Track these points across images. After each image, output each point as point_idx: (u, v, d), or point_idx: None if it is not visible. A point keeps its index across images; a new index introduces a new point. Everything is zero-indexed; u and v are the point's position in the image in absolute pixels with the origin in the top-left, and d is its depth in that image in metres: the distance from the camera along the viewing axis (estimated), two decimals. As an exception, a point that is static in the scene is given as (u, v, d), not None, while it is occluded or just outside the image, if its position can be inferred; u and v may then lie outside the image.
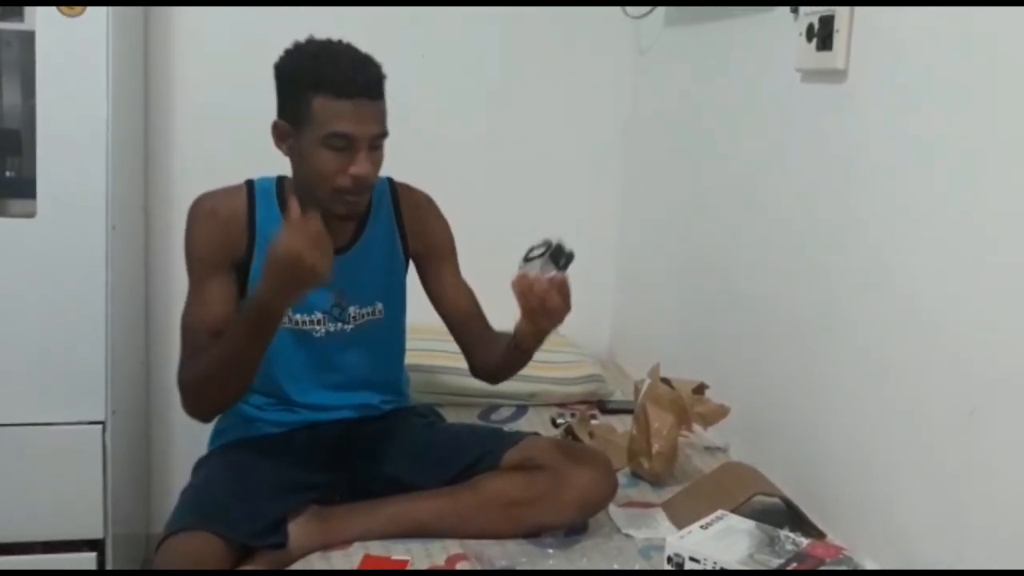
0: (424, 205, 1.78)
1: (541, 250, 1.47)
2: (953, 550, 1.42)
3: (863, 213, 1.66)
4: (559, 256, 1.45)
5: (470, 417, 2.22)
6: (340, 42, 1.55)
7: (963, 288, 1.42)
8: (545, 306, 1.45)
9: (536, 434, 1.71)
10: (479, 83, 2.62)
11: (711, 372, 2.03)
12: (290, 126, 1.54)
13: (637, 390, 2.00)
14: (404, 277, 1.77)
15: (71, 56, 1.97)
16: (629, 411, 2.06)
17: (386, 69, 1.57)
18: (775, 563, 1.42)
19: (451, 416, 1.99)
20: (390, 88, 1.58)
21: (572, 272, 2.71)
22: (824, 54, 1.70)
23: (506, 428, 2.08)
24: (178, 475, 2.49)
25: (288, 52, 1.56)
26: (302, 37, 1.58)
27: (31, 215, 1.99)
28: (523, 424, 2.20)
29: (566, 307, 1.49)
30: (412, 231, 1.75)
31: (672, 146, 2.52)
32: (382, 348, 1.77)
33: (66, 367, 2.03)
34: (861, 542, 1.57)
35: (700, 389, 1.95)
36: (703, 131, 2.32)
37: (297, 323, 1.64)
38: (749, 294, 2.06)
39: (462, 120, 2.60)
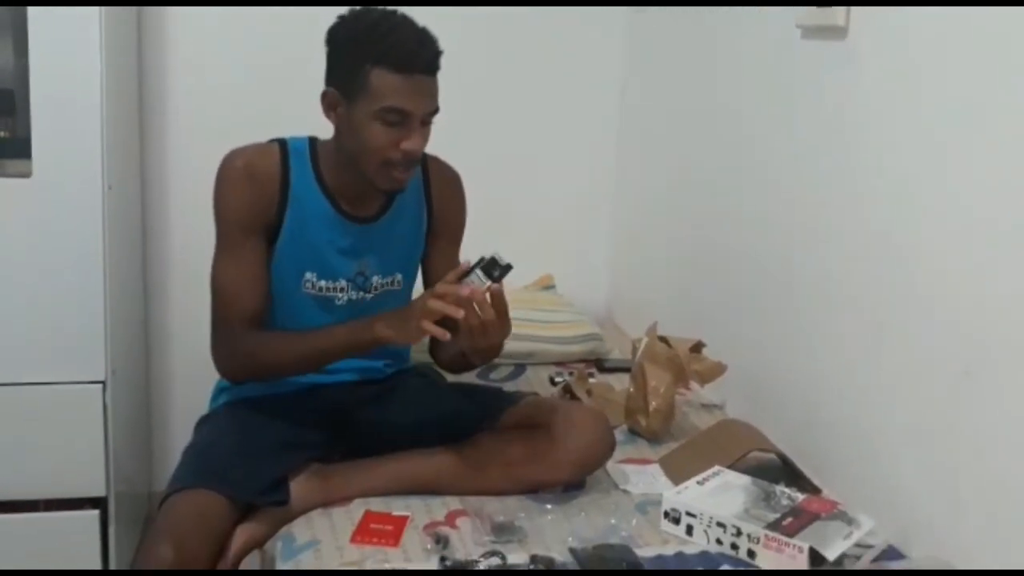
0: (452, 182, 1.75)
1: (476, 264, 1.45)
2: (946, 505, 1.44)
3: (862, 171, 1.65)
4: (493, 268, 1.43)
5: (468, 376, 2.23)
6: (399, 13, 1.50)
7: (960, 248, 1.42)
8: (481, 320, 1.42)
9: (535, 394, 1.72)
10: (472, 42, 2.57)
11: (708, 330, 2.04)
12: (341, 95, 1.51)
13: (634, 349, 2.01)
14: (423, 249, 1.75)
15: (64, 14, 1.94)
16: (626, 369, 2.08)
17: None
18: (771, 518, 1.45)
19: (450, 375, 2.00)
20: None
21: (571, 232, 2.74)
22: (825, 10, 1.68)
23: (504, 387, 2.10)
24: (178, 433, 2.51)
25: (344, 19, 1.51)
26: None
27: (27, 175, 1.98)
28: (521, 383, 2.21)
29: (504, 324, 1.46)
30: (438, 206, 1.73)
31: (670, 104, 2.51)
32: None
33: (66, 327, 2.03)
34: (856, 497, 1.59)
35: (697, 347, 1.97)
36: (701, 88, 2.30)
37: (321, 289, 1.63)
38: (746, 253, 2.06)
39: (457, 78, 2.57)
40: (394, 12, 1.50)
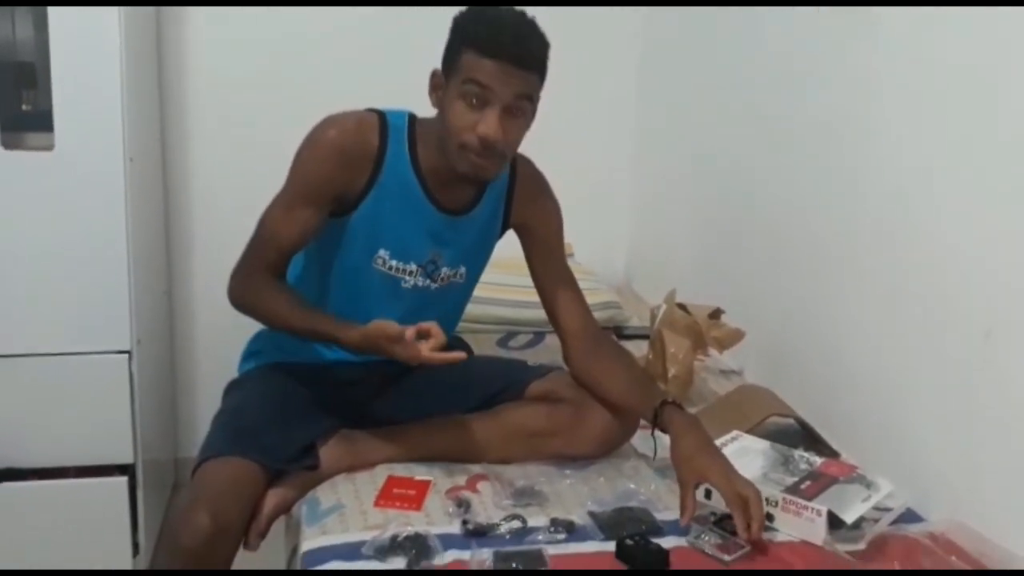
0: (536, 186, 1.71)
1: None
2: (965, 468, 1.45)
3: (883, 137, 1.64)
4: None
5: (489, 343, 2.25)
6: (515, 9, 1.49)
7: (980, 212, 1.42)
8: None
9: (560, 368, 1.73)
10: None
11: (727, 297, 2.04)
12: (443, 76, 1.51)
13: (653, 316, 2.02)
14: (494, 246, 1.74)
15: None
16: (645, 336, 2.09)
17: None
18: (789, 481, 1.46)
19: (469, 341, 2.01)
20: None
21: (590, 200, 2.73)
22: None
23: (524, 354, 2.11)
24: (203, 401, 2.56)
25: (467, 7, 1.51)
26: None
27: (49, 148, 2.00)
28: (540, 350, 2.23)
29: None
30: (518, 210, 1.70)
31: (690, 70, 2.49)
32: (452, 309, 1.76)
33: (91, 298, 2.06)
34: (874, 461, 1.60)
35: (716, 314, 1.97)
36: (723, 55, 2.28)
37: (391, 268, 1.61)
38: (765, 218, 2.06)
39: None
40: (511, 8, 1.49)
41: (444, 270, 1.65)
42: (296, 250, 1.59)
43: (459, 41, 1.48)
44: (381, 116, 1.58)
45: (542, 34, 1.50)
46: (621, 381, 1.62)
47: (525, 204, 1.70)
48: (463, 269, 1.68)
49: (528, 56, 1.47)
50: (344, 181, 1.55)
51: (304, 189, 1.55)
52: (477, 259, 1.72)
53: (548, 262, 1.72)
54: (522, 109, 1.49)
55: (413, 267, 1.62)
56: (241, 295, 1.59)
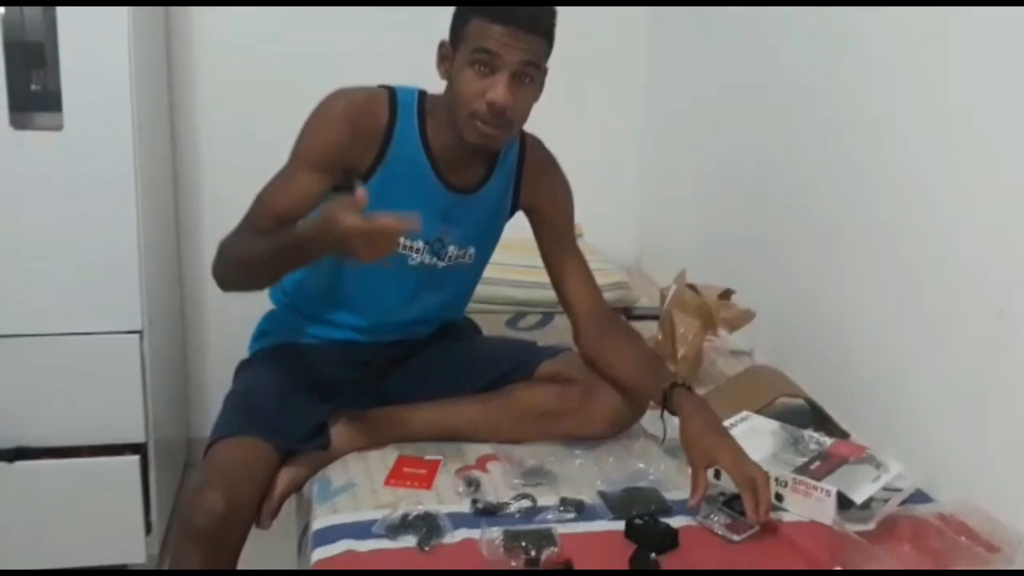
0: (545, 166, 1.70)
1: None
2: (975, 449, 1.45)
3: (894, 119, 1.63)
4: None
5: (498, 324, 2.26)
6: None
7: (991, 192, 1.41)
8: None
9: (570, 349, 1.73)
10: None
11: (737, 277, 2.03)
12: (451, 47, 1.50)
13: (663, 296, 2.02)
14: (503, 226, 1.72)
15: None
16: (655, 317, 2.09)
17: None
18: (799, 462, 1.46)
19: (479, 322, 2.01)
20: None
21: (599, 181, 2.73)
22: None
23: (533, 335, 2.11)
24: (214, 381, 2.57)
25: None
26: None
27: (58, 128, 2.00)
28: (549, 331, 2.23)
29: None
30: (527, 190, 1.69)
31: (698, 49, 2.47)
32: (460, 290, 1.75)
33: (102, 279, 2.07)
34: (884, 441, 1.60)
35: (726, 295, 1.97)
36: (732, 34, 2.27)
37: (399, 245, 1.55)
38: (776, 198, 2.05)
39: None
40: None
41: (451, 248, 1.64)
42: (293, 217, 1.50)
43: (466, 9, 1.47)
44: (391, 92, 1.57)
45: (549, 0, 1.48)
46: (631, 362, 1.62)
47: (535, 184, 1.69)
48: (472, 250, 1.67)
49: (535, 20, 1.46)
50: (352, 153, 1.53)
51: (306, 155, 1.52)
52: (486, 239, 1.71)
53: (558, 243, 1.71)
54: (530, 75, 1.47)
55: (420, 244, 1.61)
56: (217, 258, 1.49)
